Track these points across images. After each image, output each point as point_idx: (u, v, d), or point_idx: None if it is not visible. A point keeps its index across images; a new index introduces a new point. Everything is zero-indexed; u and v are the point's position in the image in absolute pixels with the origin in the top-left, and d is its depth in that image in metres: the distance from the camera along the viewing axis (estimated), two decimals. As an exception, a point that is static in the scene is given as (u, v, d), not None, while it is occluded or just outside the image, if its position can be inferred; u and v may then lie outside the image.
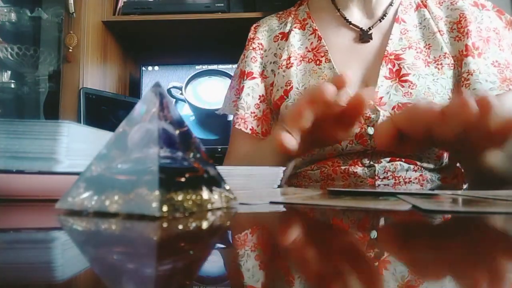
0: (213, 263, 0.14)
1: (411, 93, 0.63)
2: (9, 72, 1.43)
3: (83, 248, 0.15)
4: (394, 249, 0.15)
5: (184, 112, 1.38)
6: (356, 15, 0.73)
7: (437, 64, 0.66)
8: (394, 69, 0.66)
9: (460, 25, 0.67)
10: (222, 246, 0.17)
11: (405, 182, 0.62)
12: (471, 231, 0.19)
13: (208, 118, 1.37)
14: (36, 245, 0.16)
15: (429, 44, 0.68)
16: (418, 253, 0.15)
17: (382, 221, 0.22)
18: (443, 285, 0.11)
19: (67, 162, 0.32)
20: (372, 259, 0.14)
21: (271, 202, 0.29)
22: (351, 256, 0.14)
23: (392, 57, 0.67)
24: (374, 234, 0.19)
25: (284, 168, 0.47)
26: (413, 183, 0.62)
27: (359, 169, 0.63)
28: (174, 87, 1.40)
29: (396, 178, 0.63)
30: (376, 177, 0.62)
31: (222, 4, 1.28)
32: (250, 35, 0.80)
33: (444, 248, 0.15)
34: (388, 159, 0.63)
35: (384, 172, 0.62)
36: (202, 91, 1.40)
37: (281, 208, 0.27)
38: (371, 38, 0.70)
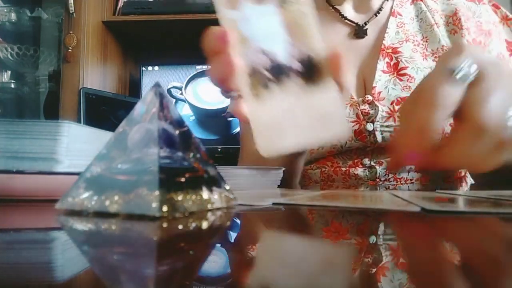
0: (213, 263, 0.14)
1: (409, 86, 0.62)
2: (9, 72, 1.43)
3: (83, 248, 0.15)
4: (402, 251, 0.15)
5: (184, 112, 1.38)
6: (351, 10, 0.72)
7: (435, 57, 0.65)
8: (392, 63, 0.65)
9: (455, 18, 0.66)
10: (222, 246, 0.17)
11: (407, 184, 0.62)
12: (483, 232, 0.19)
13: (208, 118, 1.37)
14: (36, 245, 0.16)
15: (426, 37, 0.67)
16: (428, 256, 0.15)
17: (389, 223, 0.22)
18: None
19: (67, 162, 0.32)
20: (377, 263, 0.14)
21: (273, 204, 0.29)
22: (354, 258, 0.14)
23: (389, 50, 0.66)
24: (379, 236, 0.19)
25: (284, 168, 0.47)
26: (415, 184, 0.62)
27: (360, 171, 0.62)
28: (174, 87, 1.41)
29: (398, 179, 0.63)
30: (377, 179, 0.62)
31: (222, 4, 1.28)
32: None
33: (455, 249, 0.15)
34: (389, 159, 0.62)
35: (386, 173, 0.62)
36: (202, 91, 1.40)
37: (282, 209, 0.27)
38: (366, 34, 0.69)
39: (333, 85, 0.30)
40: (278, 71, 0.30)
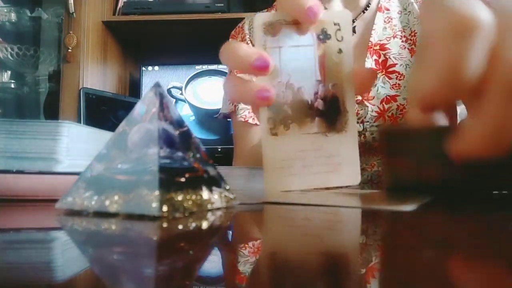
0: (213, 263, 0.14)
1: (399, 84, 0.61)
2: (9, 72, 1.43)
3: (83, 248, 0.15)
4: (389, 251, 0.15)
5: (184, 112, 1.38)
6: (338, 8, 0.69)
7: None
8: (380, 60, 0.64)
9: None
10: (222, 246, 0.17)
11: None
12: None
13: (208, 118, 1.37)
14: (36, 245, 0.16)
15: (414, 31, 0.65)
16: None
17: (380, 222, 0.22)
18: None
19: (67, 162, 0.32)
20: (367, 261, 0.14)
21: (266, 202, 0.29)
22: (352, 257, 0.14)
23: (377, 47, 0.64)
24: (371, 235, 0.19)
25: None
26: None
27: None
28: (174, 87, 1.41)
29: None
30: (369, 182, 0.62)
31: (222, 4, 1.28)
32: (233, 34, 0.77)
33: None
34: (381, 161, 0.62)
35: (378, 176, 0.62)
36: (202, 91, 1.40)
37: (282, 209, 0.27)
38: (355, 32, 0.67)
39: (352, 130, 0.29)
40: (300, 109, 0.29)
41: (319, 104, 0.30)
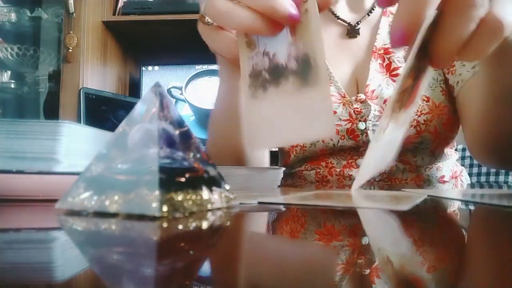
0: (213, 263, 0.14)
1: None
2: (9, 72, 1.43)
3: (83, 248, 0.15)
4: (381, 251, 0.15)
5: (184, 112, 1.38)
6: (344, 9, 0.71)
7: None
8: (385, 64, 0.64)
9: None
10: (222, 246, 0.17)
11: (401, 183, 0.62)
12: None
13: (208, 118, 1.37)
14: (36, 245, 0.16)
15: None
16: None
17: (374, 223, 0.22)
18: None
19: (67, 162, 0.32)
20: (362, 262, 0.14)
21: (264, 202, 0.29)
22: (350, 256, 0.14)
23: (381, 51, 0.65)
24: (367, 237, 0.19)
25: (284, 168, 0.47)
26: (409, 184, 0.62)
27: (354, 172, 0.62)
28: (174, 87, 1.41)
29: (393, 180, 0.62)
30: (372, 180, 0.62)
31: (222, 4, 1.28)
32: None
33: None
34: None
35: (380, 174, 0.62)
36: (202, 91, 1.40)
37: (282, 209, 0.27)
38: (359, 34, 0.68)
39: (325, 84, 0.31)
40: (276, 72, 0.32)
41: (292, 64, 0.31)
